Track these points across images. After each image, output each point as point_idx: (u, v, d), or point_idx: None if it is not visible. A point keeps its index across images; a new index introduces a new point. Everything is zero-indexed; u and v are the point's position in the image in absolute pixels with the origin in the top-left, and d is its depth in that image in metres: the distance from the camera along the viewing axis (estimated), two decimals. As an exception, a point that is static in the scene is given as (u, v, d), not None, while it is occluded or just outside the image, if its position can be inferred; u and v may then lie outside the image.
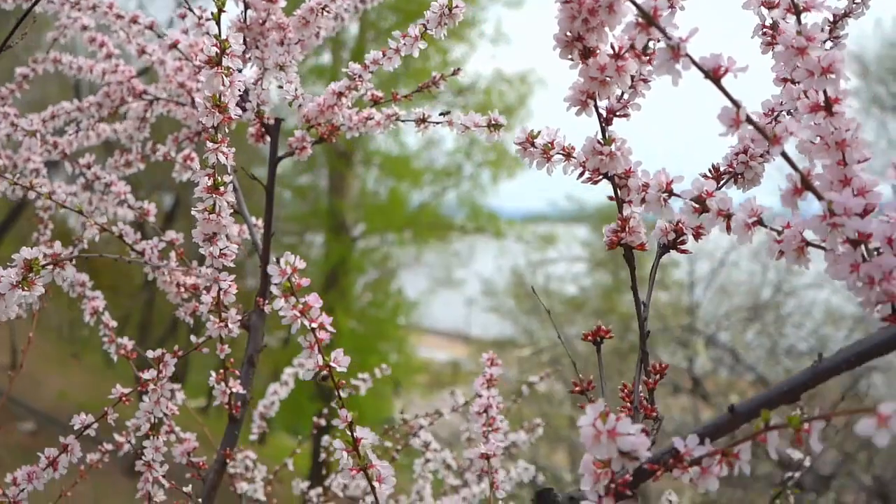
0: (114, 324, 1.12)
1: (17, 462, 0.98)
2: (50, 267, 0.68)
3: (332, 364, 0.66)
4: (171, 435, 1.06)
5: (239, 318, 0.94)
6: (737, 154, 0.71)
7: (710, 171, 0.72)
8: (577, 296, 10.54)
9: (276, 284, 0.64)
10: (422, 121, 1.00)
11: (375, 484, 0.68)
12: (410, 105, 1.05)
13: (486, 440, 0.98)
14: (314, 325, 0.65)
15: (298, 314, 0.65)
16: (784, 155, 0.54)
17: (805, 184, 0.54)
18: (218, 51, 0.76)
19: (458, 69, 1.06)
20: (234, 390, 1.00)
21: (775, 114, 0.72)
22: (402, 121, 1.02)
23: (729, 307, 7.53)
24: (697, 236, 0.71)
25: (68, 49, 1.38)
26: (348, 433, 0.68)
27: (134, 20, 1.12)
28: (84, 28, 1.23)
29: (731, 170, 0.72)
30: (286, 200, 11.97)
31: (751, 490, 6.27)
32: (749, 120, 0.53)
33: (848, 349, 0.52)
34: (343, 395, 0.68)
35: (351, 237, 11.58)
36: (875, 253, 0.55)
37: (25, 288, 0.69)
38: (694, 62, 0.52)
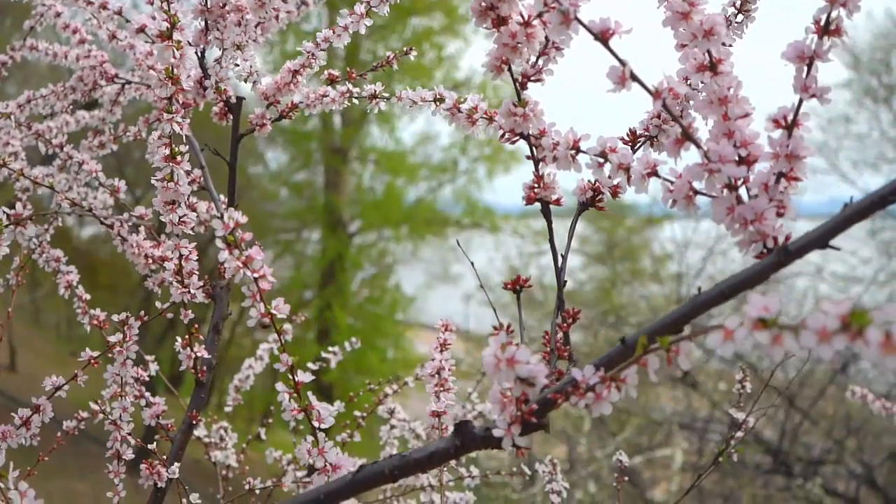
0: (87, 297, 1.18)
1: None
2: (12, 227, 0.73)
3: (273, 311, 0.72)
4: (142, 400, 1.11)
5: (200, 283, 0.99)
6: (652, 118, 0.77)
7: (627, 134, 0.78)
8: (573, 290, 10.61)
9: (220, 237, 0.70)
10: (373, 97, 1.06)
11: (315, 423, 0.73)
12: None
13: (437, 399, 1.04)
14: (256, 275, 0.71)
15: (241, 265, 0.70)
16: (666, 108, 0.59)
17: (686, 135, 0.59)
18: (168, 25, 0.81)
19: (411, 48, 1.11)
20: (199, 355, 1.06)
21: (689, 81, 0.78)
22: (356, 97, 1.08)
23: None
24: (615, 195, 0.76)
25: (60, 41, 1.43)
26: (290, 377, 0.73)
27: (103, 6, 1.17)
28: (58, 15, 1.28)
29: (646, 133, 0.77)
30: (283, 197, 12.03)
31: (740, 479, 6.35)
32: (633, 77, 0.58)
33: (723, 282, 0.57)
34: (286, 338, 0.73)
35: (347, 233, 11.64)
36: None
37: (-9, 247, 0.74)
38: (584, 25, 0.58)
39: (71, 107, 1.29)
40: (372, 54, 9.75)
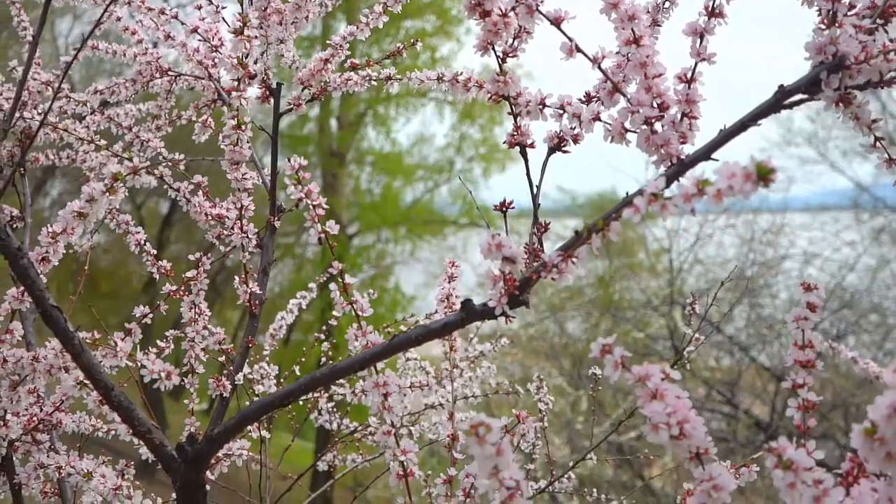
0: (154, 251, 1.43)
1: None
2: (131, 175, 0.98)
3: (327, 229, 0.98)
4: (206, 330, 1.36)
5: (256, 230, 1.25)
6: (601, 83, 1.02)
7: (584, 95, 1.03)
8: (573, 284, 10.84)
9: (287, 176, 0.96)
10: (388, 79, 1.32)
11: (359, 312, 0.99)
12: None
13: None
14: (314, 203, 0.97)
15: (304, 196, 0.96)
16: (601, 69, 0.85)
17: (615, 88, 0.85)
18: (241, 23, 1.07)
19: (417, 40, 1.37)
20: (253, 290, 1.31)
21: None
22: (374, 80, 1.34)
23: (712, 280, 7.87)
24: (576, 141, 1.02)
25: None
26: (340, 280, 0.99)
27: (161, 11, 1.43)
28: (119, 19, 1.54)
29: (598, 94, 1.03)
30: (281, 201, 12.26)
31: (735, 456, 6.61)
32: (578, 49, 0.84)
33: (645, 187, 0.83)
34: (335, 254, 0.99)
35: (346, 235, 11.90)
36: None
37: (111, 194, 1.00)
38: (542, 14, 0.84)
39: (133, 96, 1.55)
40: (367, 56, 10.02)
